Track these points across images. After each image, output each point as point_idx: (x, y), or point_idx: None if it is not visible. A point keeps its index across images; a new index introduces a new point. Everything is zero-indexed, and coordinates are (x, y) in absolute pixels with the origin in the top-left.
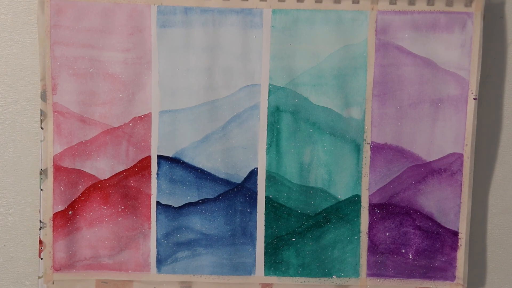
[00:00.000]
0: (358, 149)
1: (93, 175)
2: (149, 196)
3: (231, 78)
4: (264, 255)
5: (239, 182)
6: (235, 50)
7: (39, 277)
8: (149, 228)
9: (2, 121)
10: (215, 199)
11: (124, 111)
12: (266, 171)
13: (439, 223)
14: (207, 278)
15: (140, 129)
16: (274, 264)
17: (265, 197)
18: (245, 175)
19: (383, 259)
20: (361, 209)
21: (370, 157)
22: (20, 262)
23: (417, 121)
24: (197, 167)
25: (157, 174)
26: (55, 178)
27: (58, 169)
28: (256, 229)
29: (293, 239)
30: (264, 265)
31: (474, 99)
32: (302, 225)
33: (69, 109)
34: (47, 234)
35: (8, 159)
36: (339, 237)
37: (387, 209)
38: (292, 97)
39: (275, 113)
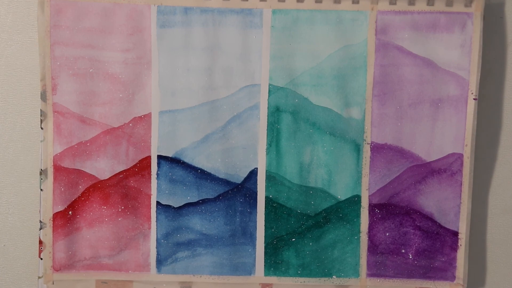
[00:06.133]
0: (358, 149)
1: (93, 175)
2: (149, 196)
3: (231, 78)
4: (264, 255)
5: (239, 182)
6: (235, 50)
7: (39, 277)
8: (149, 228)
9: (2, 121)
10: (215, 199)
11: (124, 111)
12: (266, 171)
13: (439, 223)
14: (207, 278)
15: (140, 129)
16: (274, 264)
17: (265, 197)
18: (245, 175)
19: (383, 259)
20: (361, 209)
21: (370, 157)
22: (20, 262)
23: (417, 121)
24: (197, 167)
25: (157, 174)
26: (55, 178)
27: (58, 169)
28: (256, 229)
29: (293, 239)
30: (264, 265)
31: (474, 99)
32: (302, 225)
33: (69, 109)
34: (47, 234)
35: (8, 159)
36: (339, 237)
37: (387, 209)
38: (292, 97)
39: (275, 113)
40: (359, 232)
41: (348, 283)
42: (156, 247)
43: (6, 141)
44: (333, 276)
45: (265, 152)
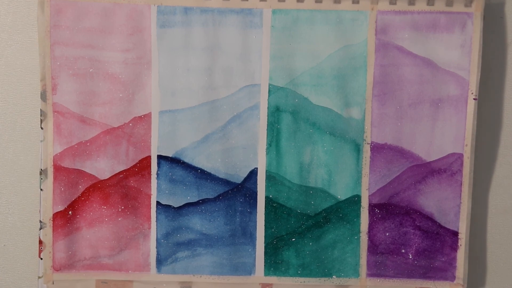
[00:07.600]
0: (358, 149)
1: (93, 175)
2: (149, 196)
3: (231, 78)
4: (264, 255)
5: (239, 182)
6: (235, 50)
7: (39, 277)
8: (149, 228)
9: (2, 121)
10: (215, 199)
11: (124, 111)
12: (266, 171)
13: (439, 223)
14: (207, 278)
15: (140, 129)
16: (274, 264)
17: (265, 197)
18: (245, 175)
19: (383, 259)
20: (361, 209)
21: (370, 157)
22: (20, 262)
23: (417, 121)
24: (197, 167)
25: (157, 174)
26: (55, 178)
27: (58, 169)
28: (256, 229)
29: (293, 239)
30: (264, 265)
31: (474, 99)
32: (302, 225)
33: (69, 109)
34: (47, 234)
35: (8, 159)
36: (339, 237)
37: (387, 209)
38: (292, 97)
39: (275, 113)
40: (359, 232)
41: (348, 283)
42: (156, 247)
43: (6, 141)
44: (333, 276)
45: (265, 152)
